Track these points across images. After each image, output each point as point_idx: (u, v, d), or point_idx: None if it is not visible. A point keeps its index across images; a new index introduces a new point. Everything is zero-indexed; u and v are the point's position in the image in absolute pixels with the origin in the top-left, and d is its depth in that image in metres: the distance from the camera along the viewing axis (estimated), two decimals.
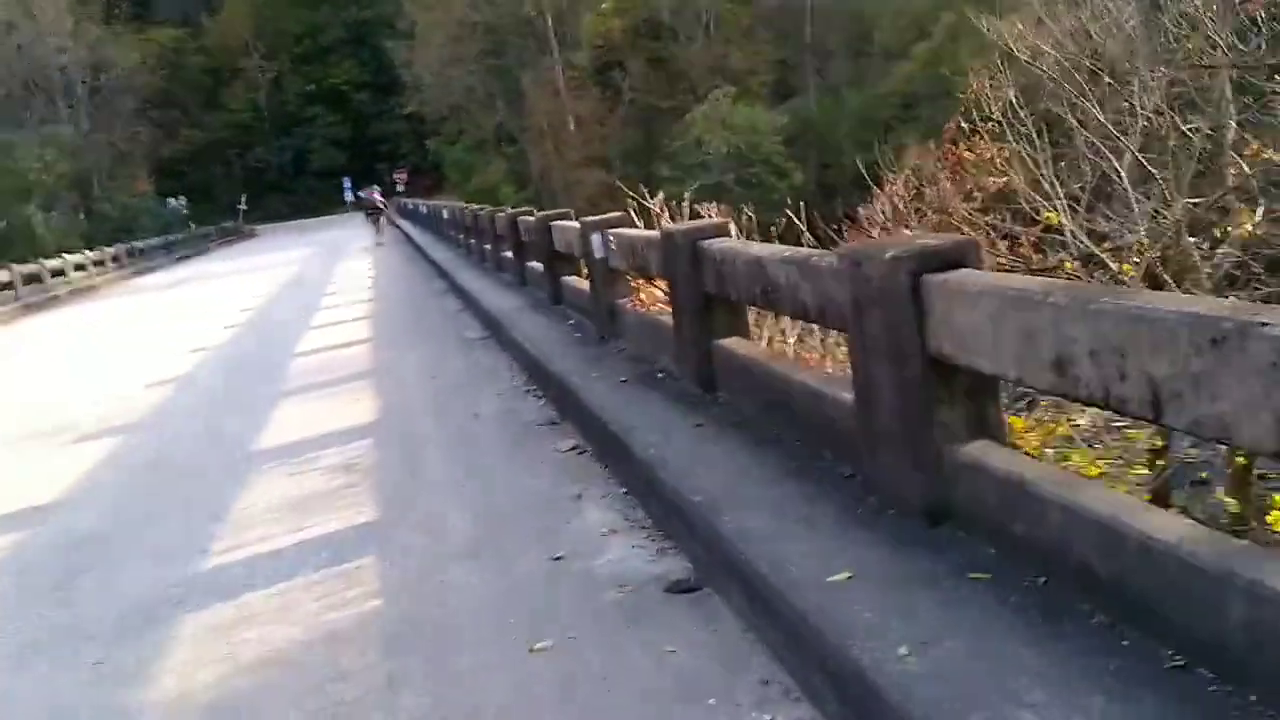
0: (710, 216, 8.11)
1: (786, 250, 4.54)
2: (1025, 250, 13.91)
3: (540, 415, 6.85)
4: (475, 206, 17.81)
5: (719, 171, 56.93)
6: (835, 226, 14.12)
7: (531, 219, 11.47)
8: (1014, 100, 18.03)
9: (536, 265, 11.73)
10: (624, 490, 4.99)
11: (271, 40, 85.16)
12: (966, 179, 18.51)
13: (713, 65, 65.55)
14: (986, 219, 17.68)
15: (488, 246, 16.00)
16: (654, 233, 6.72)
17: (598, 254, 7.81)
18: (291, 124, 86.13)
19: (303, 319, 14.75)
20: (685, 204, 9.41)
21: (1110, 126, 15.90)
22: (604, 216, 7.98)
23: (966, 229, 15.68)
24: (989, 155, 18.51)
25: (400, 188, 68.80)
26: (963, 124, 19.03)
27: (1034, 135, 18.68)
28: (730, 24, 67.21)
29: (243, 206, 76.25)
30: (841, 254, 3.76)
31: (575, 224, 8.99)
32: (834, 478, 3.90)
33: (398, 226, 39.82)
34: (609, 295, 7.80)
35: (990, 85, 19.02)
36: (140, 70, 70.18)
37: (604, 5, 64.09)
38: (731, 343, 5.46)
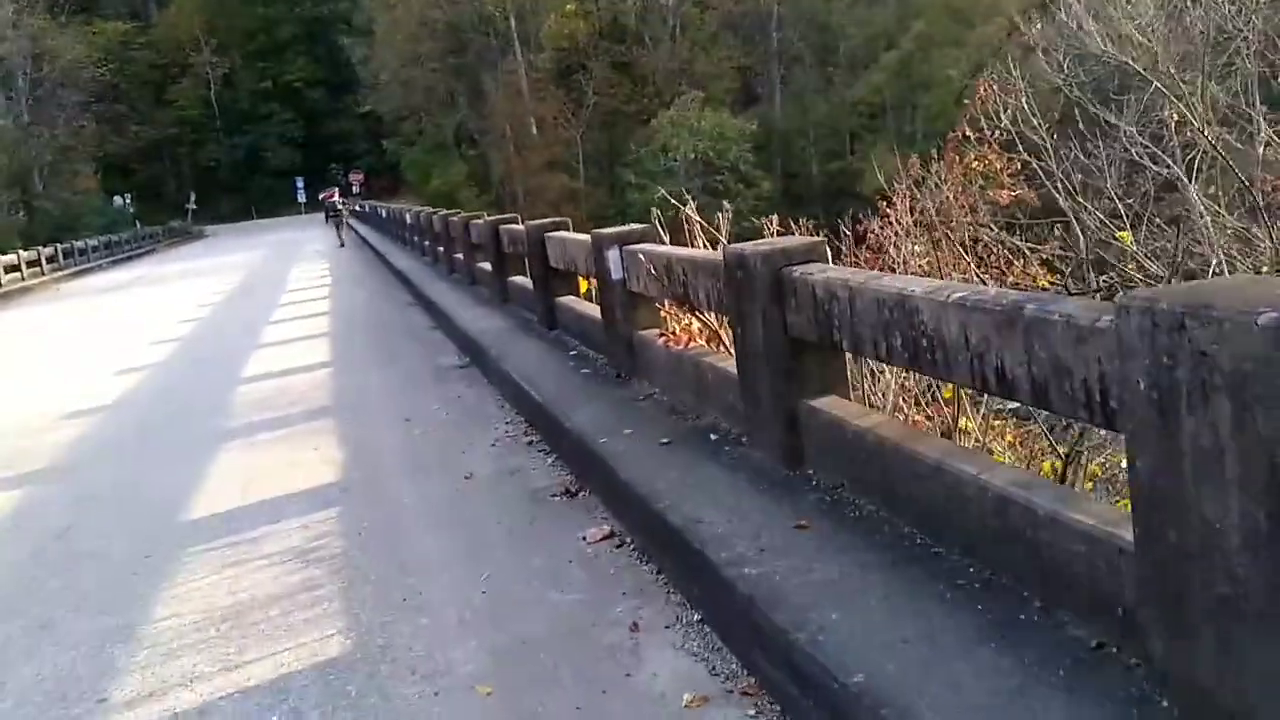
0: (772, 231, 6.69)
1: (958, 289, 3.12)
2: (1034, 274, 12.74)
3: (552, 480, 5.40)
4: (445, 211, 16.30)
5: (685, 178, 55.65)
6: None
7: (519, 228, 10.02)
8: (1025, 106, 16.87)
9: (522, 281, 10.28)
10: (698, 617, 3.56)
11: (223, 35, 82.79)
12: (973, 192, 17.27)
13: (678, 70, 64.41)
14: (1011, 239, 16.42)
15: (459, 255, 14.50)
16: (708, 254, 5.30)
17: (615, 274, 6.38)
18: (244, 122, 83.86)
19: (251, 334, 13.15)
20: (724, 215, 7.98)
21: (1141, 136, 14.78)
22: (625, 229, 6.54)
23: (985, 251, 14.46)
24: (999, 166, 17.31)
25: (356, 189, 66.88)
26: (968, 133, 17.84)
27: (1048, 146, 17.48)
28: (696, 28, 66.00)
29: (192, 206, 73.94)
30: (1136, 304, 2.34)
31: (582, 237, 7.55)
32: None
33: (355, 230, 38.06)
34: (629, 325, 6.37)
35: (999, 91, 17.83)
36: (85, 63, 67.66)
37: (568, 6, 62.58)
38: (829, 404, 4.06)
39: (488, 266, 12.00)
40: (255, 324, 14.20)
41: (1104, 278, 11.90)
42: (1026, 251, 13.97)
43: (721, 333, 5.64)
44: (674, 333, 5.85)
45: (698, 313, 5.70)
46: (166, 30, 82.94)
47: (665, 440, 4.89)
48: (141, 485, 6.36)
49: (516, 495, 5.23)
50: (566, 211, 58.85)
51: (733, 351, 5.16)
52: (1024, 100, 17.43)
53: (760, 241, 4.47)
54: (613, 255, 6.38)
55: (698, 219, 6.78)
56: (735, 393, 4.70)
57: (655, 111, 60.88)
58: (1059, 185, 15.53)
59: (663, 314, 6.31)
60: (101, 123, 75.43)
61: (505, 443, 6.29)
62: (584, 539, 4.44)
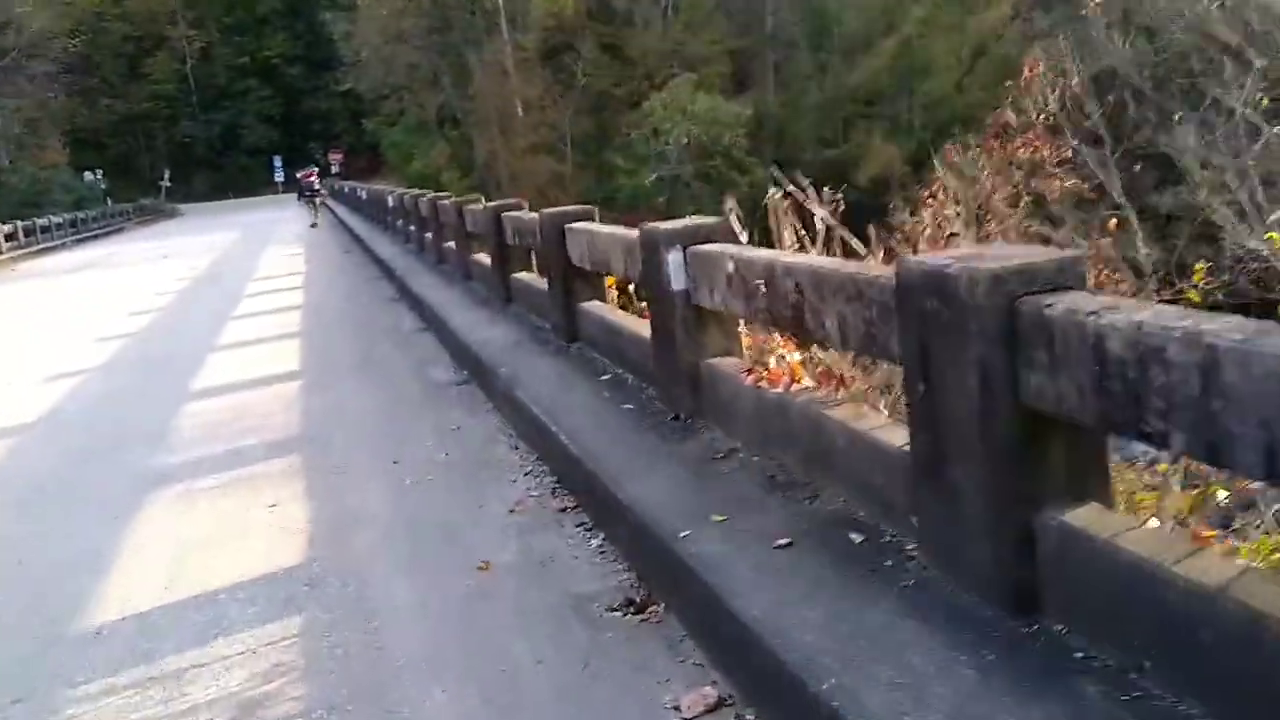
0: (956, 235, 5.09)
1: None
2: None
3: (604, 579, 3.80)
4: (434, 194, 14.62)
5: (676, 163, 54.08)
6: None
7: (528, 217, 8.40)
8: (1082, 90, 15.43)
9: (529, 280, 8.68)
10: None
11: (200, 8, 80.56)
12: (1016, 181, 15.86)
13: (669, 52, 62.69)
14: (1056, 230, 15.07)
15: (449, 244, 12.85)
16: (849, 267, 3.69)
17: (675, 283, 4.78)
18: (220, 98, 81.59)
19: (211, 332, 11.47)
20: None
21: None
22: (689, 224, 4.93)
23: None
24: (1045, 154, 15.84)
25: (335, 169, 64.87)
26: (1011, 119, 16.36)
27: (1101, 133, 16.02)
28: (689, 10, 64.17)
29: (166, 183, 71.78)
30: None
31: (618, 231, 5.93)
32: None
33: (331, 211, 36.24)
34: (694, 350, 4.78)
35: (1047, 75, 16.32)
36: (56, 34, 65.32)
37: None
38: (1089, 520, 2.50)
39: (485, 260, 10.37)
40: (217, 319, 12.51)
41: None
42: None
43: (845, 371, 4.06)
44: (767, 367, 4.26)
45: (806, 345, 4.12)
46: (141, 1, 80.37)
47: (784, 541, 3.30)
48: (30, 567, 4.69)
49: (554, 608, 3.62)
50: (554, 195, 57.10)
51: (885, 410, 3.62)
52: (1077, 81, 15.90)
53: (968, 251, 2.87)
54: (673, 258, 4.78)
55: (784, 205, 5.20)
56: (896, 475, 3.14)
57: (645, 94, 59.11)
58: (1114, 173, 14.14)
59: (747, 339, 4.73)
60: (72, 95, 73.28)
61: (528, 507, 4.69)
62: (678, 711, 2.86)
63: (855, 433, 3.48)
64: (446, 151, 61.34)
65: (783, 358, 4.31)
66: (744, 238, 5.39)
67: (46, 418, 7.90)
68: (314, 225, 30.86)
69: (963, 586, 2.79)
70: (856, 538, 3.25)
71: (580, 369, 6.29)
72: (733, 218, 5.27)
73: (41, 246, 34.71)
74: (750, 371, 4.27)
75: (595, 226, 6.56)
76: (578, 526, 4.36)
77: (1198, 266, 13.05)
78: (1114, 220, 14.98)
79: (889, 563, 3.02)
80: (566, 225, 6.98)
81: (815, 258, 4.00)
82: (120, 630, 3.82)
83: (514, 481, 5.06)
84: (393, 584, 4.02)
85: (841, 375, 4.06)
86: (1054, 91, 16.21)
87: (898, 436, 3.24)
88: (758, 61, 67.61)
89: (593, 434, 4.89)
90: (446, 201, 12.77)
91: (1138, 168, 14.97)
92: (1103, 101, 15.37)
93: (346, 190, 39.37)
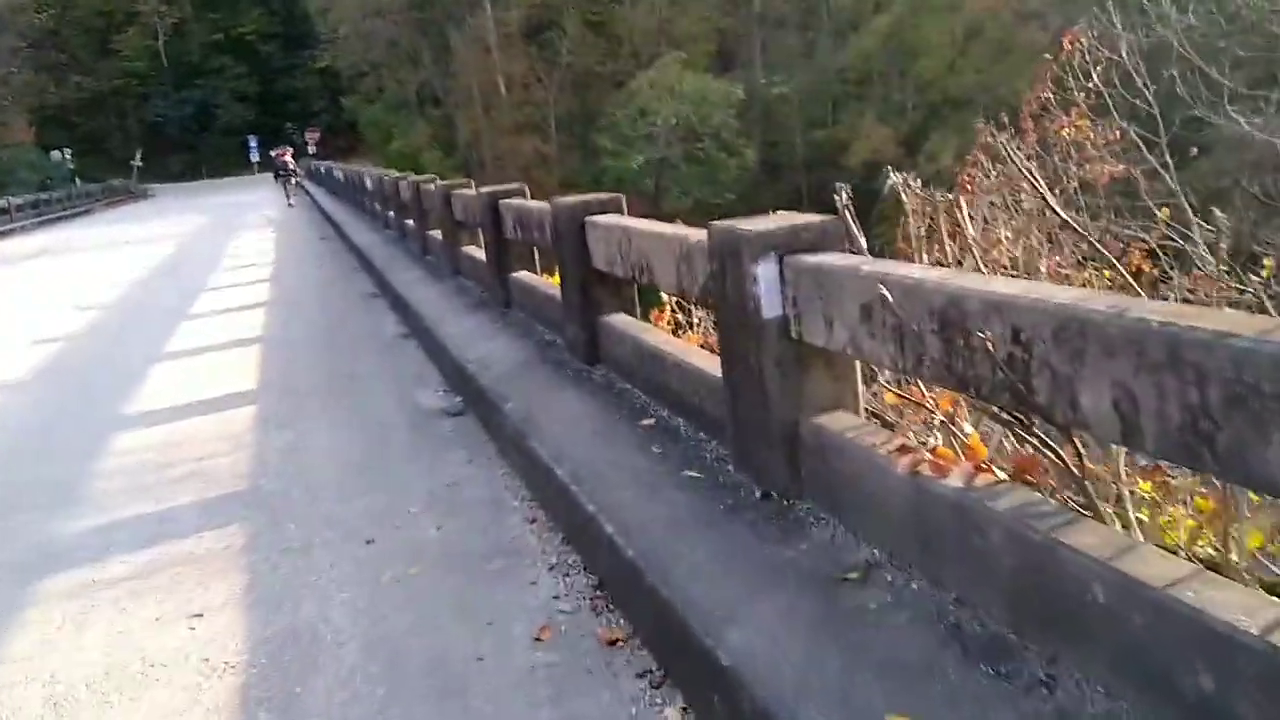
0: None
1: None
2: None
3: None
4: (416, 177, 13.10)
5: (664, 145, 52.51)
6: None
7: (534, 207, 6.93)
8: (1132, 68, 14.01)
9: (532, 282, 7.23)
10: None
11: None
12: (1054, 166, 14.49)
13: (656, 30, 61.07)
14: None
15: (434, 234, 11.37)
16: (1205, 319, 2.23)
17: (768, 309, 3.35)
18: (194, 75, 79.42)
19: (160, 333, 9.95)
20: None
21: None
22: (786, 223, 3.44)
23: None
24: (1090, 136, 14.45)
25: (312, 149, 62.85)
26: (1048, 97, 14.95)
27: (1155, 113, 14.58)
28: None
29: (138, 163, 69.66)
30: None
31: (683, 233, 4.44)
32: None
33: (307, 193, 34.59)
34: (791, 404, 3.36)
35: (1091, 46, 14.90)
36: (23, 6, 63.24)
37: None
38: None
39: (478, 255, 8.91)
40: (169, 317, 10.98)
41: None
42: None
43: (1068, 458, 2.63)
44: (931, 449, 2.81)
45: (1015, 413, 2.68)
46: None
47: None
48: None
49: None
50: (538, 177, 55.47)
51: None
52: (1126, 54, 14.49)
53: None
54: (764, 273, 3.34)
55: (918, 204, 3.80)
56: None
57: (631, 74, 57.50)
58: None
59: (891, 394, 3.29)
60: (40, 71, 71.25)
61: (559, 634, 3.25)
62: None
63: (1129, 582, 2.07)
64: (427, 131, 59.56)
65: (949, 428, 2.87)
66: (862, 241, 3.97)
67: None
68: (290, 205, 30.94)
69: None
70: None
71: (612, 407, 4.84)
72: (847, 215, 3.85)
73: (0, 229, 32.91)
74: (903, 451, 2.83)
75: (632, 222, 5.09)
76: (639, 678, 2.93)
77: (1266, 262, 11.66)
78: (1167, 208, 13.61)
79: None
80: (588, 218, 5.52)
81: (1053, 288, 2.52)
82: None
83: (534, 583, 3.61)
84: None
85: (1072, 465, 2.63)
86: (1098, 66, 14.79)
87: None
88: (745, 41, 66.03)
89: (649, 519, 3.45)
90: (431, 186, 11.26)
91: (1194, 151, 13.56)
92: (1155, 78, 13.94)
93: (323, 171, 37.62)
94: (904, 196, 5.23)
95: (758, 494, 3.51)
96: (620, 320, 5.45)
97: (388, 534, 4.22)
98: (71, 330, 10.74)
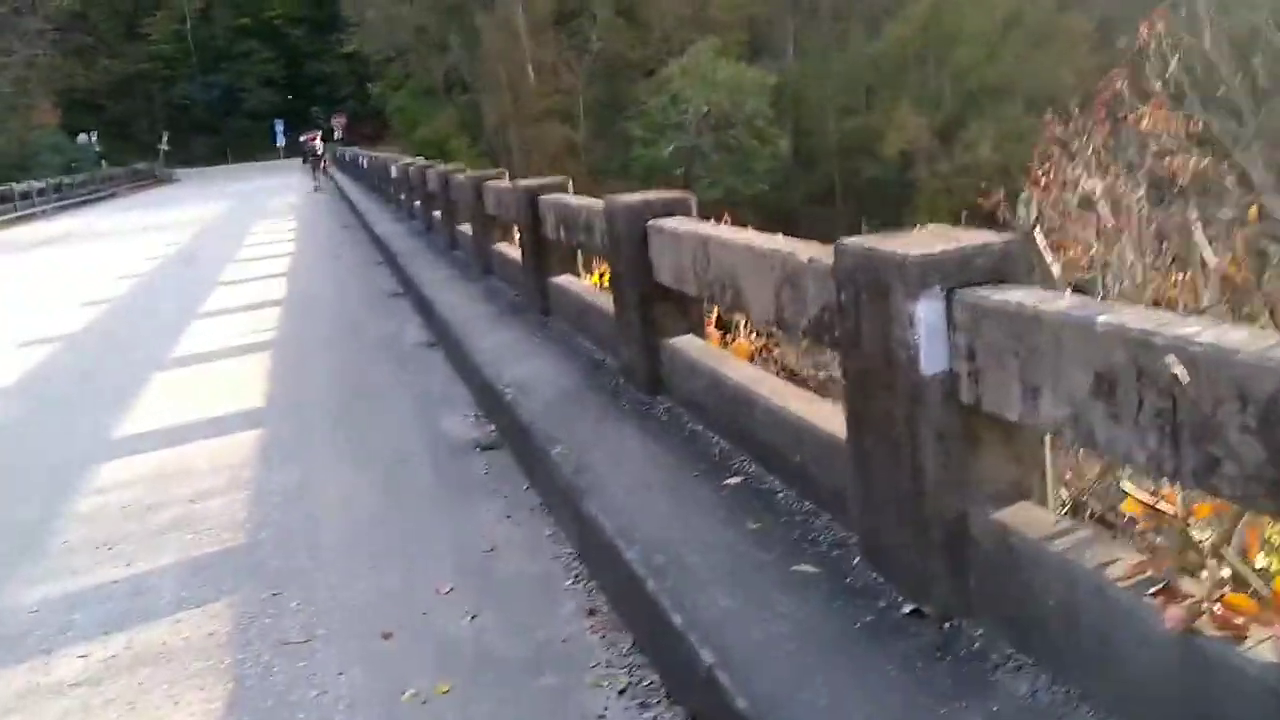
0: None
1: None
2: None
3: None
4: (445, 166, 12.22)
5: (695, 133, 51.44)
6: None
7: (578, 205, 6.03)
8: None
9: (582, 292, 6.35)
10: None
11: None
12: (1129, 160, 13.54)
13: (688, 17, 59.86)
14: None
15: (463, 227, 10.52)
16: None
17: (928, 361, 2.45)
18: (221, 59, 79.04)
19: (167, 335, 9.13)
20: None
21: None
22: (952, 242, 2.53)
23: None
24: (1173, 127, 13.44)
25: (338, 134, 62.16)
26: (1122, 87, 13.93)
27: (1240, 105, 13.64)
28: None
29: (164, 147, 69.29)
30: None
31: (787, 248, 3.49)
32: None
33: (332, 179, 33.87)
34: (958, 488, 2.46)
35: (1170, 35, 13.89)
36: None
37: None
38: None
39: (513, 254, 8.05)
40: (178, 315, 10.17)
41: None
42: None
43: None
44: (1219, 594, 1.90)
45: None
46: None
47: None
48: None
49: None
50: (566, 166, 54.48)
51: None
52: (1209, 41, 13.50)
53: None
54: (925, 313, 2.43)
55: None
56: None
57: (662, 61, 56.38)
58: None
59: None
60: (67, 55, 71.01)
61: None
62: None
63: None
64: (454, 117, 58.72)
65: (1220, 557, 1.96)
66: (1056, 269, 3.06)
67: None
68: (317, 189, 31.13)
69: None
70: None
71: (684, 456, 3.94)
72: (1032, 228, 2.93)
73: (21, 214, 32.32)
74: (1165, 594, 1.91)
75: (712, 230, 4.17)
76: None
77: None
78: (1255, 208, 12.58)
79: None
80: (652, 223, 4.62)
81: None
82: None
83: (604, 714, 2.73)
84: None
85: None
86: (1178, 54, 13.74)
87: None
88: (777, 28, 64.79)
89: (762, 643, 2.56)
90: (461, 176, 10.38)
91: None
92: (1242, 67, 12.91)
93: (348, 157, 36.84)
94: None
95: (905, 608, 2.61)
96: (690, 345, 4.55)
97: (409, 625, 3.34)
98: (67, 330, 9.89)
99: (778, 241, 3.54)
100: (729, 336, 5.45)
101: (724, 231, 3.98)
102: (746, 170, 51.34)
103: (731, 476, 3.65)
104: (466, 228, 10.27)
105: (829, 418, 3.21)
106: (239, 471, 5.13)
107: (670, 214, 4.68)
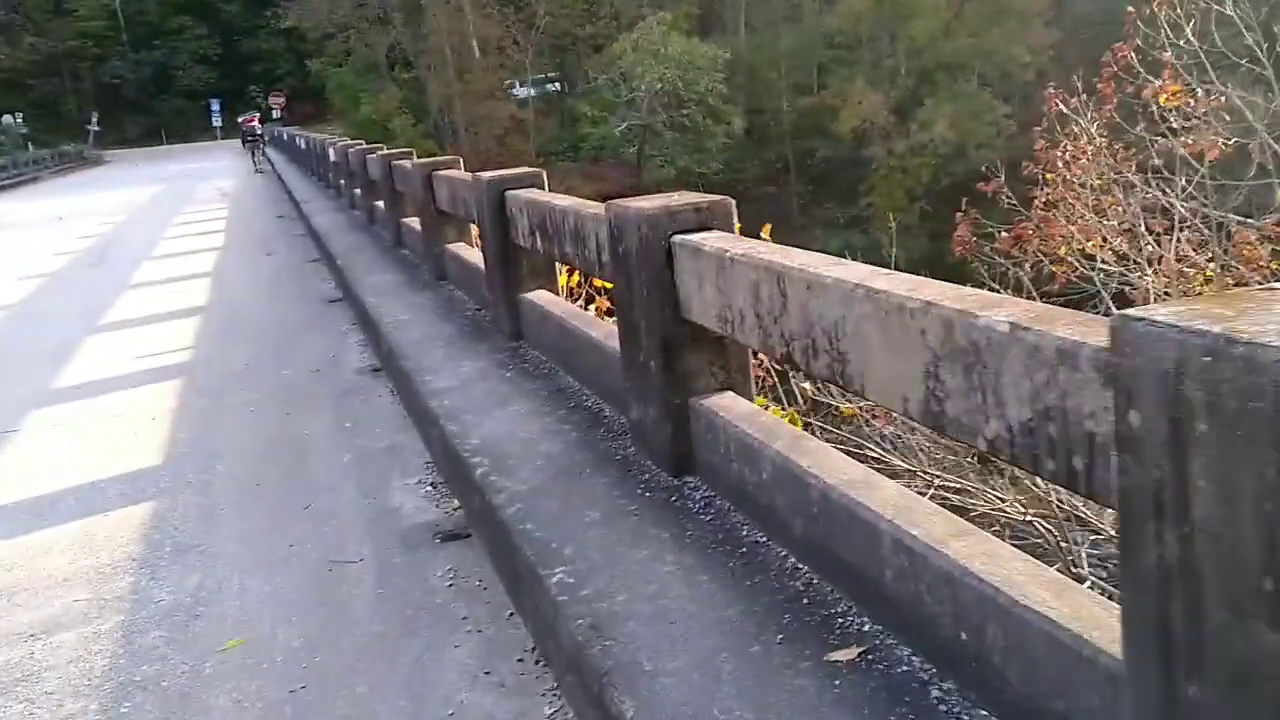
0: None
1: None
2: None
3: None
4: (390, 150, 10.69)
5: (647, 111, 49.95)
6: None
7: (568, 208, 4.64)
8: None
9: (565, 316, 5.00)
10: None
11: None
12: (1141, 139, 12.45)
13: None
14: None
15: (410, 221, 9.12)
16: None
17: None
18: (153, 36, 76.25)
19: (52, 359, 7.61)
20: None
21: None
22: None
23: None
24: (1189, 101, 12.29)
25: (277, 113, 59.91)
26: (1131, 55, 12.77)
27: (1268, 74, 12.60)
28: None
29: (94, 128, 66.49)
30: None
31: (959, 304, 2.20)
32: None
33: (269, 161, 32.07)
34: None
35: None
36: None
37: None
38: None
39: (472, 259, 6.69)
40: (73, 330, 8.64)
41: None
42: None
43: None
44: None
45: None
46: None
47: None
48: None
49: None
50: (513, 143, 52.89)
51: None
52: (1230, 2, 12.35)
53: None
54: None
55: None
56: None
57: (612, 36, 54.80)
58: None
59: None
60: None
61: None
62: None
63: None
64: (397, 96, 56.67)
65: None
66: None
67: None
68: (257, 170, 30.75)
69: None
70: None
71: (752, 590, 2.64)
72: None
73: None
74: None
75: (790, 258, 2.76)
76: None
77: None
78: None
79: None
80: (679, 238, 3.29)
81: None
82: None
83: None
84: None
85: None
86: (1194, 20, 12.57)
87: None
88: (727, 2, 63.39)
89: None
90: (407, 164, 8.94)
91: None
92: (1267, 33, 11.81)
93: (285, 138, 34.94)
94: None
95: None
96: (735, 410, 3.24)
97: None
98: None
99: (915, 285, 2.23)
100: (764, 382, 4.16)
101: (811, 262, 2.65)
102: (700, 149, 50.03)
103: (838, 640, 2.36)
104: (414, 222, 8.86)
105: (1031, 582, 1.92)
106: (112, 578, 3.74)
107: (705, 227, 3.35)
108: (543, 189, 5.53)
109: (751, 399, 3.50)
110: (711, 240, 3.17)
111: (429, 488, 4.38)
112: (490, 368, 5.21)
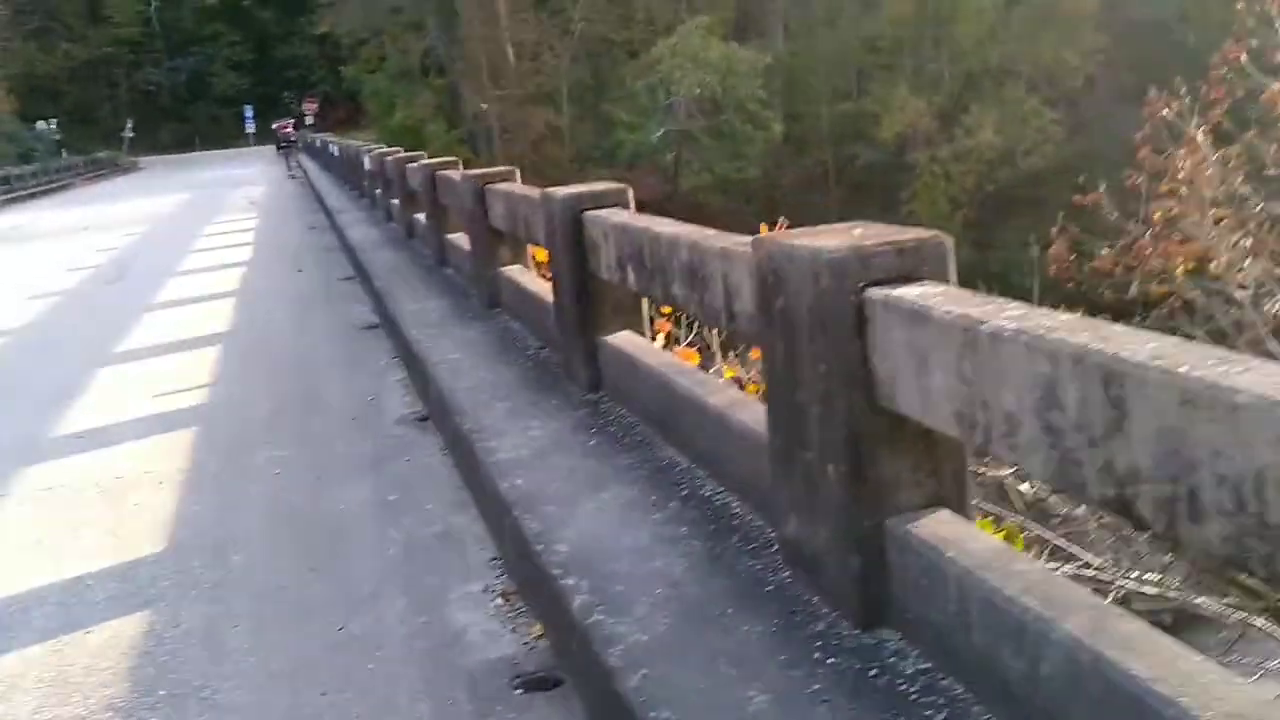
0: None
1: None
2: None
3: None
4: (433, 161, 9.69)
5: (685, 117, 48.92)
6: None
7: (681, 238, 3.58)
8: None
9: (681, 382, 3.97)
10: None
11: None
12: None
13: None
14: None
15: (456, 238, 8.14)
16: None
17: None
18: (187, 43, 76.37)
19: (51, 399, 6.66)
20: None
21: None
22: None
23: None
24: None
25: (310, 119, 59.38)
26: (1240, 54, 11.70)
27: None
28: None
29: (129, 134, 66.44)
30: None
31: None
32: None
33: (302, 168, 31.40)
34: None
35: None
36: None
37: None
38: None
39: (536, 290, 5.67)
40: (77, 362, 7.71)
41: None
42: None
43: None
44: None
45: None
46: None
47: None
48: None
49: None
50: (549, 150, 52.04)
51: None
52: None
53: None
54: None
55: None
56: None
57: (648, 42, 53.76)
58: None
59: None
60: (26, 39, 68.49)
61: None
62: None
63: None
64: (432, 101, 55.97)
65: None
66: None
67: None
68: (291, 177, 30.80)
69: None
70: None
71: None
72: None
73: None
74: None
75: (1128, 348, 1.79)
76: None
77: None
78: None
79: None
80: (874, 294, 2.26)
81: None
82: None
83: None
84: None
85: None
86: None
87: None
88: (766, 7, 62.30)
89: None
90: (454, 175, 7.96)
91: None
92: None
93: (318, 144, 34.20)
94: None
95: None
96: (963, 543, 2.22)
97: None
98: None
99: None
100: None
101: (1180, 355, 1.61)
102: (739, 155, 48.96)
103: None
104: (461, 239, 7.89)
105: None
106: None
107: (910, 276, 2.33)
108: (628, 208, 4.52)
109: (971, 518, 2.47)
110: (941, 301, 2.13)
111: (499, 600, 3.37)
112: (567, 431, 4.19)
